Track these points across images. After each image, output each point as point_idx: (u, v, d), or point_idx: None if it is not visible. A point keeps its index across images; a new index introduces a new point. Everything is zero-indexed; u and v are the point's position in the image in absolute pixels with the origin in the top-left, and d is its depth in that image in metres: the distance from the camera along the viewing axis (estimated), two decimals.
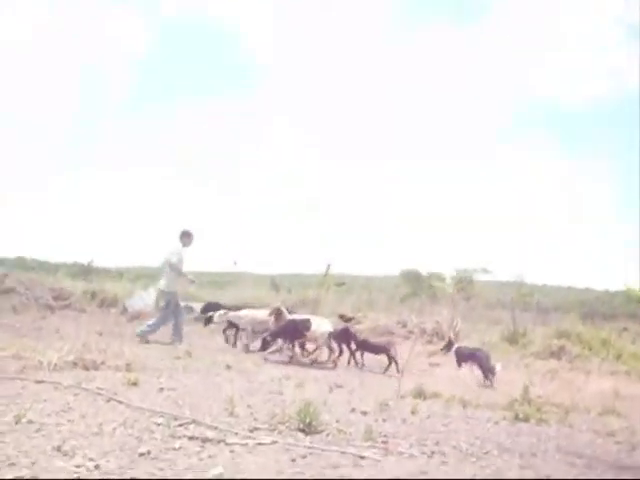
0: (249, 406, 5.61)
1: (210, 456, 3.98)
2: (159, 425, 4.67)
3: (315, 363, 10.93)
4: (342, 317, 13.64)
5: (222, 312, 12.33)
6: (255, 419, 5.17)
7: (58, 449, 3.77)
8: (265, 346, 11.19)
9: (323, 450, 4.40)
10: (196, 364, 8.28)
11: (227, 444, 4.33)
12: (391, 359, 11.14)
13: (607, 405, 8.33)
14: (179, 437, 4.39)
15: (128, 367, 7.17)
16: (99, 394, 5.44)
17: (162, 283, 11.63)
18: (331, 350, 10.96)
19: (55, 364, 6.56)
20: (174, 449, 4.06)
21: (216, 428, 4.69)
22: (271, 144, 73.56)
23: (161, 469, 3.62)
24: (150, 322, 11.42)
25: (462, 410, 6.97)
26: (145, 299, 21.01)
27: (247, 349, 11.41)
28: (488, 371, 10.92)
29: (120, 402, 5.24)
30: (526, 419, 6.63)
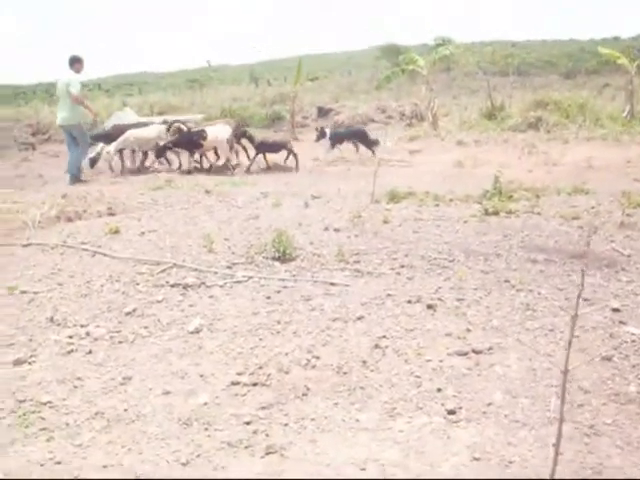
0: (227, 239, 5.95)
1: (191, 305, 4.39)
2: (143, 274, 5.06)
3: (213, 170, 11.80)
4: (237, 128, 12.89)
5: (101, 147, 11.94)
6: (233, 253, 5.54)
7: (51, 320, 4.16)
8: (160, 154, 11.93)
9: (296, 281, 4.82)
10: (176, 194, 8.59)
11: (207, 287, 4.74)
12: (290, 152, 12.19)
13: (578, 182, 8.68)
14: (162, 286, 4.78)
15: (109, 211, 7.49)
16: (85, 250, 5.77)
17: (63, 117, 10.68)
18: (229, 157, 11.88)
19: (39, 222, 6.84)
20: (157, 302, 4.46)
21: (196, 270, 5.08)
22: None
23: (146, 327, 4.03)
24: (69, 161, 10.81)
25: (434, 210, 7.31)
26: (122, 119, 20.92)
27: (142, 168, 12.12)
28: (372, 145, 12.94)
29: (105, 255, 5.59)
30: (495, 213, 6.96)
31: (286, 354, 3.61)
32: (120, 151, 11.80)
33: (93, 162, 11.73)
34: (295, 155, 11.99)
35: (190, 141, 11.48)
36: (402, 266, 5.17)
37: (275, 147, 12.17)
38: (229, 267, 5.18)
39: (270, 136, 13.67)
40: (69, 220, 7.09)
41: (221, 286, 4.75)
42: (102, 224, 6.69)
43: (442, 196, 8.03)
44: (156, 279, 4.92)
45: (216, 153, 12.21)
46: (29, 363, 3.59)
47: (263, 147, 12.03)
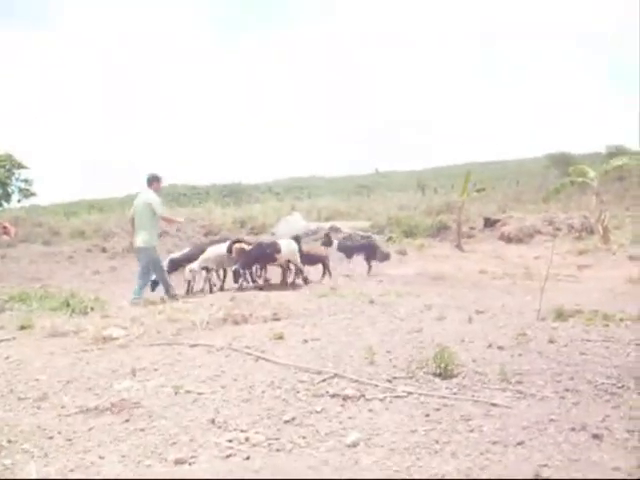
0: (388, 351, 6.01)
1: (350, 417, 4.46)
2: (304, 383, 5.24)
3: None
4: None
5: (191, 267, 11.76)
6: (394, 366, 5.57)
7: (212, 422, 4.39)
8: (237, 277, 11.37)
9: (456, 399, 4.77)
10: (340, 302, 8.87)
11: (366, 399, 4.82)
12: (325, 268, 12.49)
13: None
14: (322, 395, 4.91)
15: (275, 316, 7.87)
16: (248, 354, 6.10)
17: (140, 239, 10.55)
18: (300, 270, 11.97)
19: (207, 323, 7.36)
20: (316, 412, 4.57)
21: (356, 381, 5.19)
22: None
23: (304, 437, 4.14)
24: (136, 286, 10.53)
25: (603, 331, 6.97)
26: (291, 223, 22.03)
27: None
28: (382, 258, 13.62)
29: (268, 360, 5.88)
30: None
31: (443, 475, 3.56)
32: (206, 270, 11.89)
33: (154, 285, 11.29)
34: (329, 271, 12.43)
35: (264, 255, 11.48)
36: (567, 390, 4.95)
37: (314, 259, 12.42)
38: (389, 380, 5.22)
39: (310, 248, 13.27)
40: (235, 323, 7.54)
41: (381, 400, 4.79)
42: (267, 329, 7.03)
43: (612, 315, 7.63)
44: (316, 388, 5.07)
45: (282, 266, 12.00)
46: (189, 464, 3.81)
47: (305, 259, 12.09)
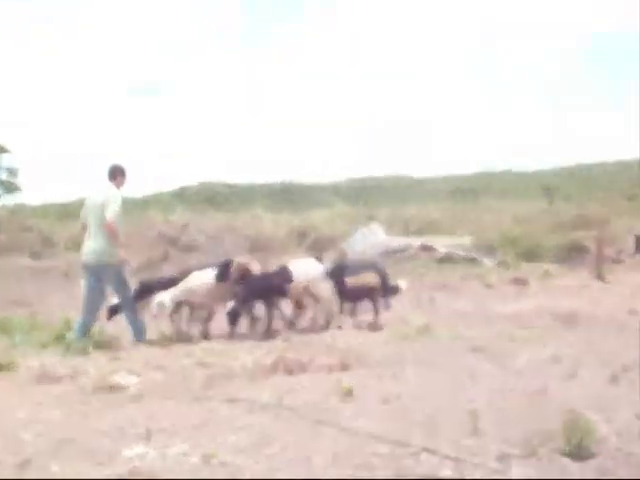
0: (499, 418, 5.90)
1: None
2: (381, 457, 5.18)
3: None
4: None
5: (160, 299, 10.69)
6: (506, 439, 5.45)
7: None
8: (234, 319, 10.66)
9: None
10: (432, 347, 8.79)
11: None
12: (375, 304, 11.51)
13: None
14: (406, 476, 4.85)
15: (342, 364, 7.85)
16: (305, 415, 6.07)
17: (95, 249, 10.19)
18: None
19: (250, 370, 7.39)
20: None
21: (454, 459, 5.10)
22: None
23: None
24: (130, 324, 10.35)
25: None
26: (368, 237, 21.96)
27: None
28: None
29: (332, 425, 5.84)
30: None
31: None
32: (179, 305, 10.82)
33: (112, 312, 10.81)
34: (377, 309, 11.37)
35: (267, 287, 10.64)
36: None
37: (360, 293, 11.50)
38: (500, 459, 5.12)
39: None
40: (289, 372, 7.53)
41: None
42: (331, 381, 7.00)
43: None
44: (399, 466, 5.02)
45: (297, 302, 11.26)
46: None
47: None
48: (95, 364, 8.02)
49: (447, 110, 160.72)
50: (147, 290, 11.12)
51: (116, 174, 10.50)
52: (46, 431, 5.88)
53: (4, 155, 48.86)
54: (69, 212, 32.23)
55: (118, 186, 10.47)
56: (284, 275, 10.64)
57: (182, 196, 52.51)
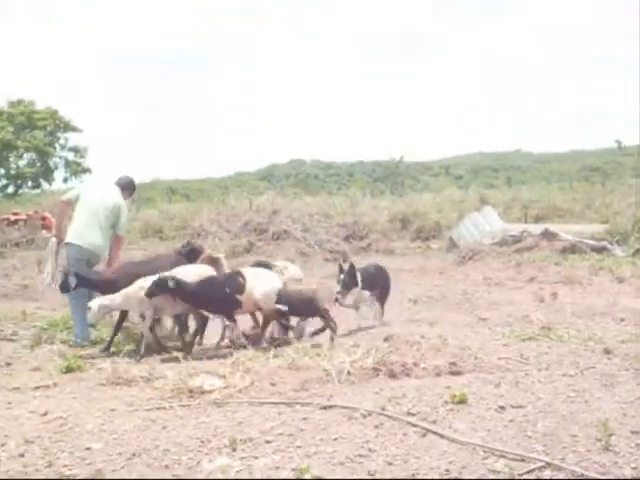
0: (634, 432, 5.73)
1: None
2: (497, 473, 5.08)
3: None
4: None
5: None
6: None
7: None
8: (182, 329, 10.32)
9: None
10: (557, 350, 8.61)
11: None
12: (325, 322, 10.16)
13: None
14: None
15: (453, 367, 7.73)
16: (411, 424, 6.00)
17: (92, 238, 10.94)
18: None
19: (348, 373, 7.34)
20: None
21: (581, 477, 4.97)
22: None
23: None
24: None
25: None
26: (480, 224, 21.63)
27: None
28: None
29: (441, 436, 5.77)
30: None
31: None
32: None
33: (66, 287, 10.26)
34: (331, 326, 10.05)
35: (215, 296, 9.63)
36: None
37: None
38: None
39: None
40: (392, 375, 7.44)
41: None
42: (441, 387, 6.91)
43: None
44: None
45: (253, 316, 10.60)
46: None
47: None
48: (173, 366, 8.06)
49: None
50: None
51: (128, 190, 11.60)
52: (119, 440, 5.93)
53: (72, 134, 49.80)
54: (143, 196, 32.71)
55: (125, 199, 11.49)
56: (236, 283, 9.68)
57: (269, 177, 52.81)
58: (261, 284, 9.48)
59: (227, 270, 10.84)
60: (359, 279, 10.84)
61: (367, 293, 11.01)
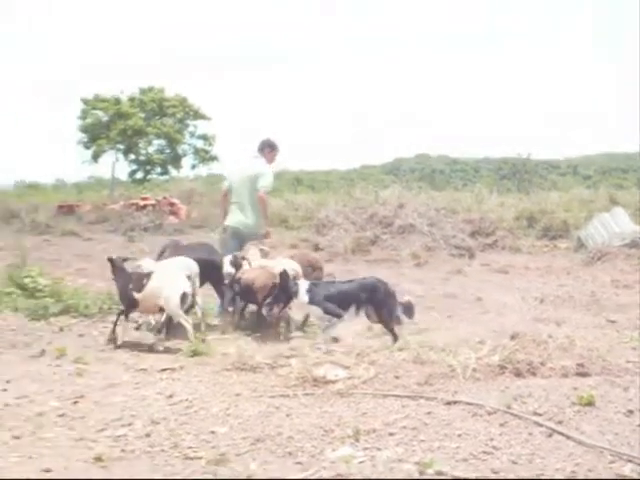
0: None
1: None
2: (623, 478, 5.00)
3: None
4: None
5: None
6: None
7: None
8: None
9: None
10: None
11: None
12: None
13: None
14: None
15: (580, 368, 7.61)
16: (537, 424, 5.94)
17: (245, 220, 11.63)
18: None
19: (474, 369, 7.30)
20: None
21: None
22: None
23: None
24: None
25: None
26: (609, 224, 21.18)
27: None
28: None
29: (568, 437, 5.68)
30: None
31: None
32: None
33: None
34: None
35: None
36: None
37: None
38: None
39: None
40: (518, 374, 7.37)
41: None
42: (568, 388, 6.84)
43: None
44: None
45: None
46: None
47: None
48: (298, 354, 8.12)
49: None
50: None
51: (264, 149, 11.96)
52: (243, 425, 6.04)
53: (201, 121, 50.65)
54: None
55: (269, 161, 12.03)
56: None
57: (395, 171, 52.82)
58: (168, 287, 9.17)
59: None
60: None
61: (316, 309, 9.76)
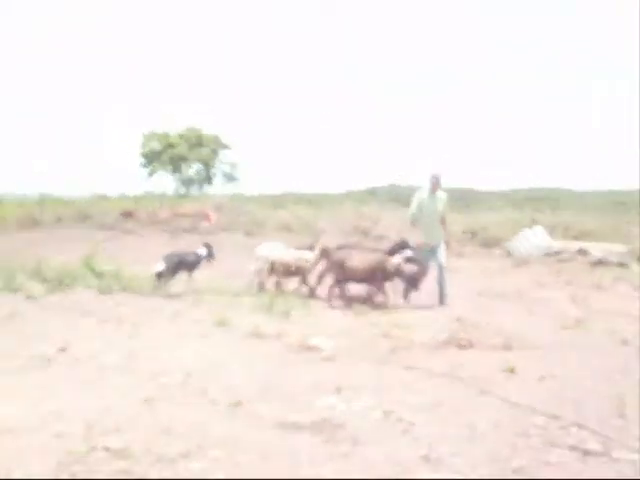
0: None
1: (592, 477, 4.22)
2: (536, 427, 5.05)
3: None
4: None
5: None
6: None
7: (425, 458, 4.37)
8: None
9: None
10: (587, 338, 8.45)
11: (613, 459, 4.51)
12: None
13: None
14: (558, 446, 4.71)
15: (506, 346, 7.68)
16: (473, 385, 6.01)
17: (438, 236, 11.48)
18: None
19: (427, 343, 7.40)
20: (550, 464, 4.39)
21: (602, 435, 4.88)
22: None
23: None
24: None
25: None
26: (531, 240, 21.26)
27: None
28: None
29: (495, 396, 5.74)
30: None
31: None
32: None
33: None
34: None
35: None
36: None
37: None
38: None
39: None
40: (460, 347, 7.51)
41: (631, 462, 4.48)
42: (496, 359, 6.94)
43: None
44: (552, 436, 4.87)
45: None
46: None
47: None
48: (297, 327, 8.20)
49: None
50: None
51: (431, 182, 11.46)
52: (254, 379, 6.11)
53: (226, 151, 51.82)
54: (277, 202, 33.13)
55: (435, 190, 11.48)
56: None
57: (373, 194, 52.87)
58: None
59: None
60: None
61: None
